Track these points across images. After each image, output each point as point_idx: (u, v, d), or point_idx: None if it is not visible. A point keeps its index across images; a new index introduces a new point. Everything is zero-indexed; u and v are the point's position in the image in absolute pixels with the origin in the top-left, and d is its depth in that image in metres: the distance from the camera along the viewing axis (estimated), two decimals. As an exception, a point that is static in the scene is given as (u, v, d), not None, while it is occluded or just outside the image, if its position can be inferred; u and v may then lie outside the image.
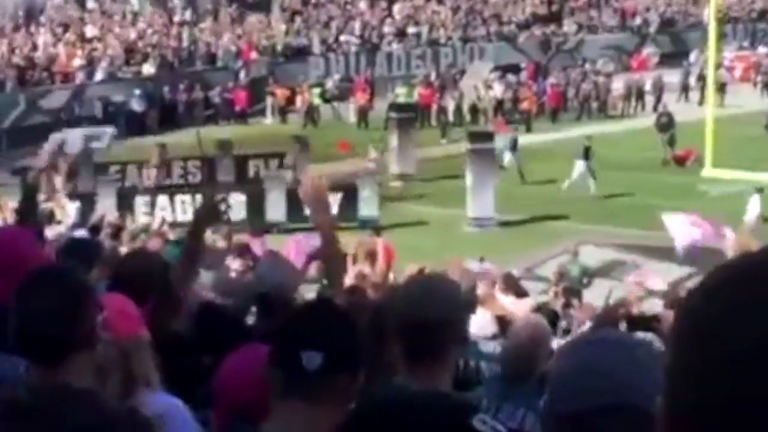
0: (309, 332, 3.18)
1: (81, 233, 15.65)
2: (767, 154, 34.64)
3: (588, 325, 8.41)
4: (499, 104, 44.58)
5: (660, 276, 21.02)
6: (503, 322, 7.96)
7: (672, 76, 48.49)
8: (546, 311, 9.26)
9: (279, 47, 49.05)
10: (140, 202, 30.19)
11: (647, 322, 4.04)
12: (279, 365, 3.15)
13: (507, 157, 33.60)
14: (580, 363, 2.32)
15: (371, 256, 15.54)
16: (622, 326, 4.27)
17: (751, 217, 23.94)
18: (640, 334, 3.99)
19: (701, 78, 46.95)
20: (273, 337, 3.29)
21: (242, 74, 46.72)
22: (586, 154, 32.47)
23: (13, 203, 14.25)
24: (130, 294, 4.76)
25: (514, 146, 34.02)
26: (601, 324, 4.19)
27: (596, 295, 18.36)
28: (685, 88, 47.88)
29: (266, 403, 3.20)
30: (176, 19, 48.20)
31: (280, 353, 3.19)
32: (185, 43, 47.23)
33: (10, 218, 14.25)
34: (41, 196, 20.80)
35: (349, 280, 10.30)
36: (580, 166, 32.35)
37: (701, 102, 44.84)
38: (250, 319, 6.30)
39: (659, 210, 29.61)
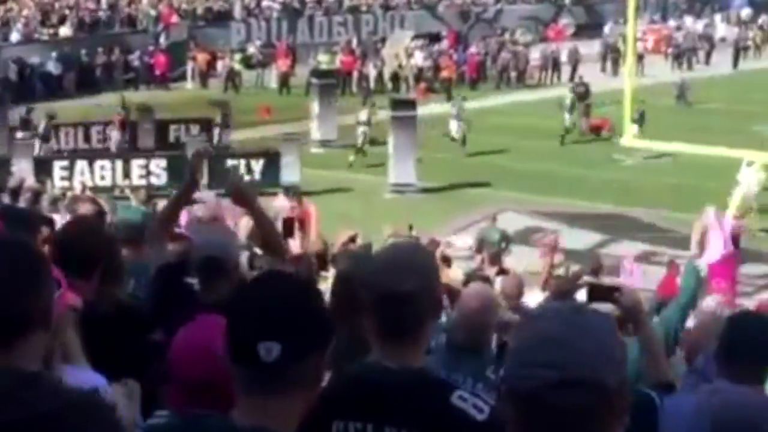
0: (262, 320, 2.80)
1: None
2: (679, 124, 35.36)
3: (534, 296, 8.65)
4: (420, 72, 44.73)
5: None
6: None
7: (587, 48, 49.07)
8: (479, 279, 9.47)
9: (200, 11, 48.72)
10: (58, 166, 29.88)
11: (607, 293, 4.18)
12: (235, 360, 2.81)
13: (454, 126, 33.62)
14: (537, 336, 2.26)
15: (299, 223, 15.66)
16: (581, 297, 4.41)
17: (749, 192, 24.24)
18: (600, 306, 4.07)
19: (615, 50, 47.64)
20: (226, 328, 2.89)
21: (162, 38, 46.37)
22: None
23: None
24: (74, 264, 4.67)
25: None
26: (558, 295, 4.30)
27: (515, 262, 18.77)
28: (604, 59, 48.58)
29: (227, 383, 2.89)
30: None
31: (234, 346, 2.82)
32: (104, 6, 46.72)
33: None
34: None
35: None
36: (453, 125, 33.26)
37: (615, 72, 45.49)
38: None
39: (574, 178, 30.24)
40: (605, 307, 4.45)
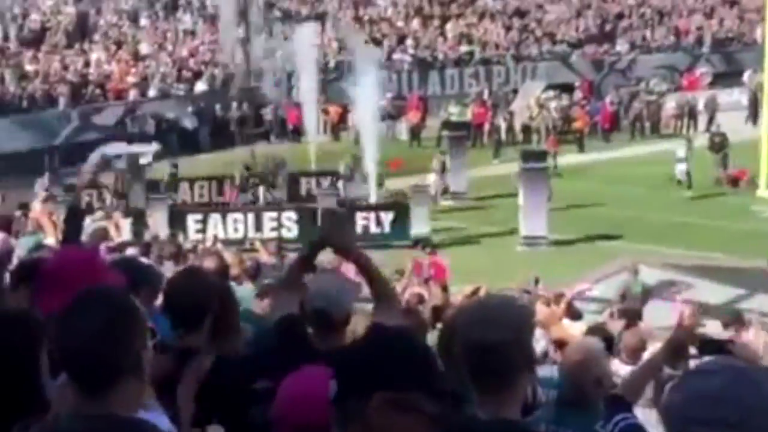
0: (365, 373, 3.03)
1: (132, 252, 15.71)
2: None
3: (649, 351, 8.31)
4: (553, 124, 44.36)
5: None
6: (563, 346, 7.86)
7: (725, 96, 48.15)
8: (601, 333, 9.14)
9: (332, 64, 49.14)
10: (192, 219, 30.29)
11: (720, 346, 3.96)
12: (335, 403, 3.07)
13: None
14: (705, 392, 2.31)
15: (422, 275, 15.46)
16: (693, 350, 4.18)
17: None
18: (716, 358, 3.88)
19: (754, 99, 46.55)
20: (337, 372, 3.18)
21: (295, 92, 46.80)
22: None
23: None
24: (180, 315, 4.67)
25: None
26: (672, 349, 4.09)
27: (650, 316, 18.27)
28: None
29: (327, 429, 3.08)
30: (228, 36, 48.37)
31: (341, 393, 3.09)
32: (237, 60, 47.41)
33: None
34: (97, 214, 21.02)
35: (403, 300, 10.24)
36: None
37: (755, 122, 44.40)
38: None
39: (709, 230, 29.54)
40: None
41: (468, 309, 4.02)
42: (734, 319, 15.67)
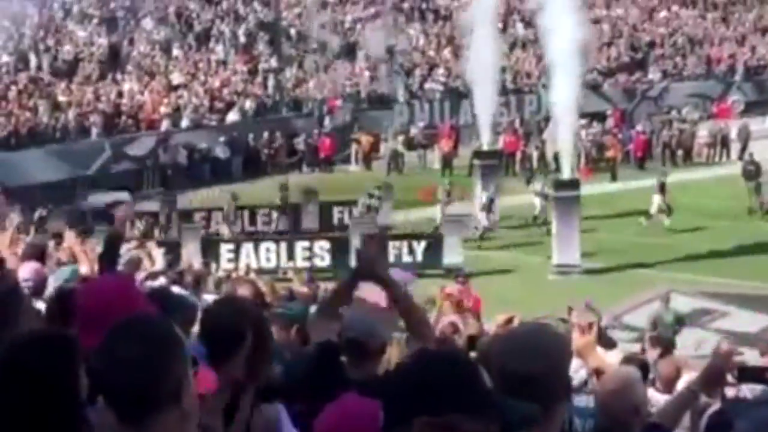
0: (414, 396, 2.99)
1: (162, 281, 15.74)
2: None
3: (684, 379, 8.25)
4: (585, 152, 44.24)
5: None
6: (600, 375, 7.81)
7: (757, 124, 47.94)
8: (637, 362, 9.09)
9: (363, 94, 49.29)
10: (224, 249, 30.38)
11: (758, 373, 3.93)
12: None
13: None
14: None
15: (458, 305, 15.42)
16: (731, 378, 4.15)
17: None
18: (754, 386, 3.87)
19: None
20: (382, 399, 3.16)
21: (327, 121, 46.98)
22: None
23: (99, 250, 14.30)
24: (216, 343, 4.68)
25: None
26: (710, 377, 4.05)
27: (684, 344, 18.19)
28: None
29: None
30: (261, 66, 48.63)
31: (387, 420, 3.04)
32: (270, 90, 47.62)
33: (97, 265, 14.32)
34: (131, 243, 21.10)
35: (438, 330, 10.21)
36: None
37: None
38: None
39: (744, 259, 29.38)
40: (757, 387, 4.20)
41: (504, 337, 4.00)
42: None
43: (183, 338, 3.32)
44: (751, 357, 14.32)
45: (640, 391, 5.52)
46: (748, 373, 4.25)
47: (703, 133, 47.05)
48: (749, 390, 4.31)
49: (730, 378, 4.33)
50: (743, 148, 43.97)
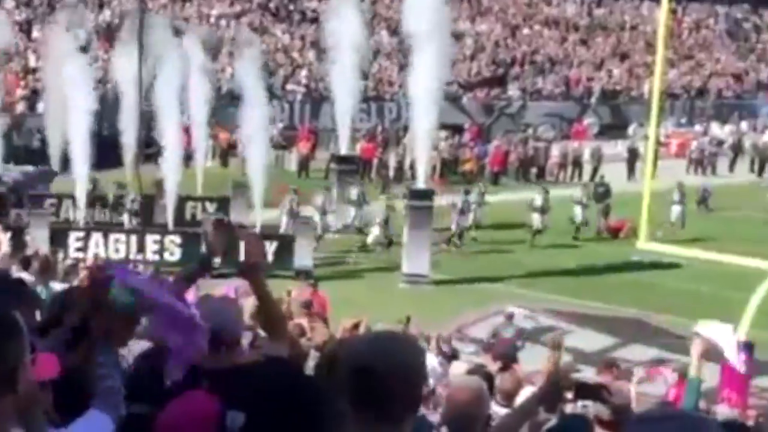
0: (235, 391, 3.00)
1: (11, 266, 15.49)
2: (699, 230, 35.18)
3: (524, 393, 8.42)
4: (442, 163, 44.64)
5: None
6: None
7: (611, 147, 49.02)
8: (481, 374, 9.24)
9: (223, 91, 48.91)
10: (73, 237, 29.89)
11: (595, 391, 4.03)
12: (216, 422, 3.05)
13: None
14: None
15: (306, 308, 15.45)
16: (569, 395, 4.24)
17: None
18: (588, 403, 3.97)
19: (631, 151, 47.34)
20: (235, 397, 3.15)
21: (185, 116, 46.45)
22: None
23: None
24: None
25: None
26: (548, 393, 4.14)
27: (527, 360, 18.47)
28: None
29: None
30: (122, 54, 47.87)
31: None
32: (130, 79, 46.82)
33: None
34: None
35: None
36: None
37: (630, 176, 44.99)
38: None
39: (587, 279, 30.04)
40: (598, 406, 4.30)
41: (358, 338, 3.99)
42: (607, 366, 15.96)
43: (22, 325, 3.22)
44: (590, 375, 14.69)
45: (488, 403, 5.58)
46: (585, 391, 4.36)
47: (556, 152, 47.87)
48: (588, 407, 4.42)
49: (568, 395, 4.43)
50: (595, 170, 44.94)
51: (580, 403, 3.91)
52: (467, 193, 34.70)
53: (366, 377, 3.34)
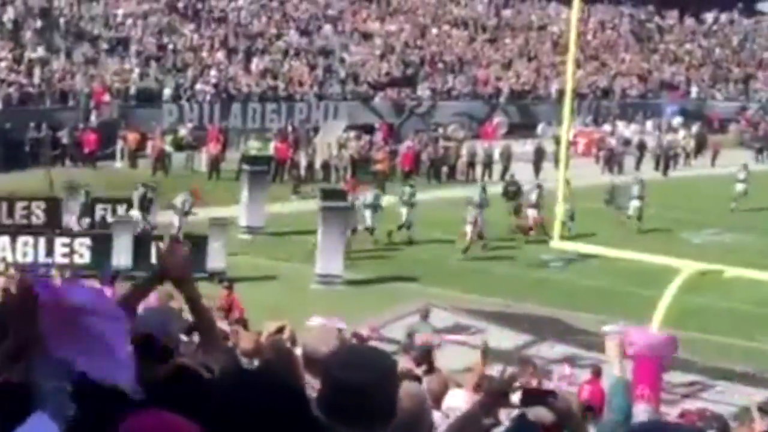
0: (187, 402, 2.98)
1: None
2: (607, 227, 35.62)
3: (451, 394, 8.41)
4: (353, 163, 44.65)
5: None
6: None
7: (520, 146, 49.40)
8: (409, 378, 9.21)
9: (132, 91, 48.48)
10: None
11: (541, 397, 4.03)
12: None
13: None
14: None
15: (223, 311, 15.33)
16: (515, 399, 4.23)
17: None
18: (536, 409, 3.98)
19: (538, 150, 47.72)
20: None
21: (93, 116, 46.02)
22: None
23: None
24: None
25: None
26: (491, 400, 4.11)
27: (446, 360, 18.54)
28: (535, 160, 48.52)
29: None
30: (28, 55, 47.24)
31: None
32: (35, 80, 46.28)
33: None
34: None
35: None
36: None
37: (537, 175, 45.27)
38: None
39: (501, 277, 30.26)
40: (539, 411, 4.30)
41: (334, 353, 3.99)
42: (524, 363, 16.06)
43: None
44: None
45: (430, 409, 5.55)
46: (531, 397, 4.36)
47: (465, 152, 48.08)
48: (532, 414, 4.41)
49: (513, 400, 4.42)
50: (505, 169, 45.26)
51: (528, 410, 3.90)
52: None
53: (350, 392, 3.40)
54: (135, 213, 32.08)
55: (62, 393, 3.89)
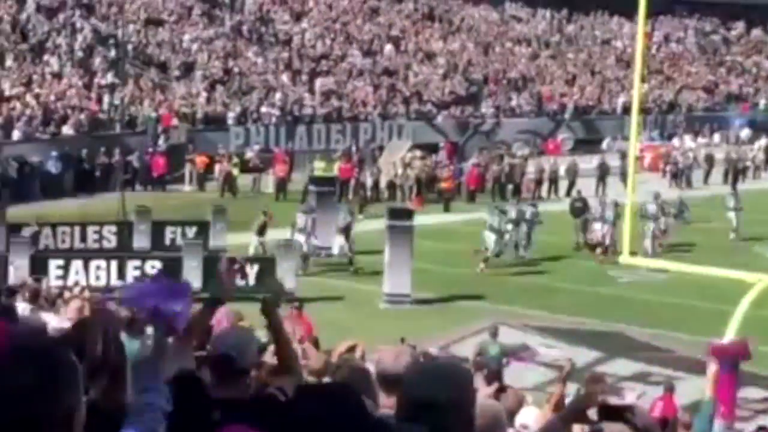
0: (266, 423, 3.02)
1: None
2: (676, 242, 35.37)
3: (524, 412, 8.46)
4: (418, 182, 44.75)
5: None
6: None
7: (585, 162, 49.18)
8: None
9: (199, 115, 49.01)
10: (54, 265, 29.77)
11: (619, 413, 4.08)
12: None
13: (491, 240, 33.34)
14: None
15: (296, 332, 15.44)
16: (593, 415, 4.29)
17: None
18: (613, 426, 4.02)
19: (602, 165, 47.43)
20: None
21: (161, 140, 46.58)
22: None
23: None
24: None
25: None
26: (574, 414, 4.18)
27: (513, 377, 18.58)
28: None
29: None
30: (97, 81, 47.93)
31: None
32: (105, 106, 46.97)
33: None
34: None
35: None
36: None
37: (603, 190, 45.01)
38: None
39: (570, 293, 30.15)
40: (617, 427, 4.34)
41: (416, 370, 4.05)
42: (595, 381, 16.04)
43: (77, 364, 3.14)
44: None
45: (506, 426, 5.61)
46: (609, 412, 4.40)
47: (531, 169, 48.01)
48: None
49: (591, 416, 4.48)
50: (571, 185, 45.08)
51: (605, 425, 3.95)
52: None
53: (430, 409, 3.42)
54: (254, 238, 32.42)
55: (153, 410, 3.99)
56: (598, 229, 35.28)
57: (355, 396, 3.30)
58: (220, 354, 5.44)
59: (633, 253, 25.51)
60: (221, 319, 12.08)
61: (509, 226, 33.40)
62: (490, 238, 33.01)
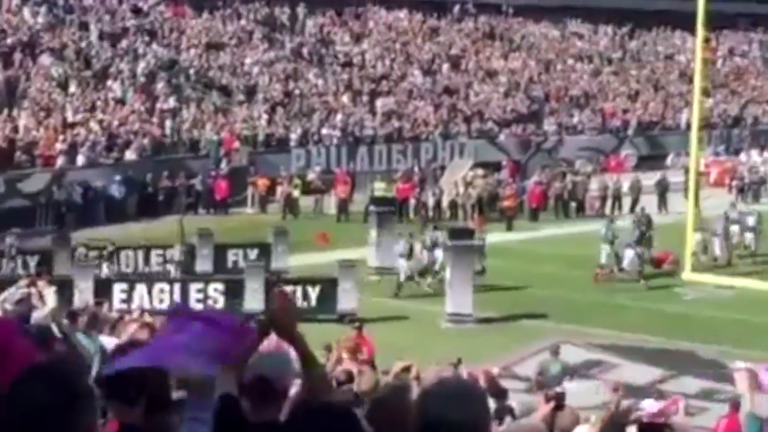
0: None
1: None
2: (744, 258, 34.94)
3: (580, 429, 8.36)
4: (480, 201, 44.61)
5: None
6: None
7: (649, 179, 48.74)
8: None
9: (261, 137, 49.27)
10: (118, 289, 30.01)
11: (658, 429, 4.00)
12: None
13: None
14: None
15: (353, 353, 15.41)
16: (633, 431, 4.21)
17: None
18: None
19: (661, 182, 46.94)
20: None
21: (224, 163, 46.85)
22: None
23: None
24: (118, 389, 4.57)
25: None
26: (609, 428, 4.10)
27: (578, 395, 18.38)
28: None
29: None
30: (159, 106, 48.33)
31: None
32: (167, 130, 47.34)
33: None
34: (21, 282, 20.72)
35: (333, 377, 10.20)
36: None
37: (666, 208, 44.58)
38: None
39: (634, 311, 29.85)
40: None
41: (427, 389, 4.01)
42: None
43: (92, 386, 3.23)
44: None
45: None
46: (647, 429, 4.33)
47: (595, 186, 47.70)
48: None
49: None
50: (634, 202, 44.70)
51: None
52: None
53: (440, 429, 3.39)
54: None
55: (200, 425, 3.97)
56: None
57: (351, 417, 3.25)
58: (255, 376, 5.37)
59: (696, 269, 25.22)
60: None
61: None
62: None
